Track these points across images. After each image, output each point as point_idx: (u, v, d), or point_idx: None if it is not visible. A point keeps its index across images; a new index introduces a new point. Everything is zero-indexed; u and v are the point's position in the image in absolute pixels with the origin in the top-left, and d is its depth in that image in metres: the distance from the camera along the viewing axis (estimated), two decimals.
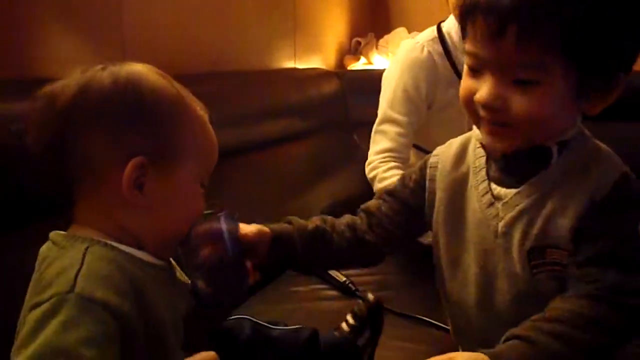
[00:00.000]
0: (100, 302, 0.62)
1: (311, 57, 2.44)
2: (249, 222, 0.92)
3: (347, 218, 0.97)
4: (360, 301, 0.93)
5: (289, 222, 0.94)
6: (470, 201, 0.85)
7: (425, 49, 1.58)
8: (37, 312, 0.61)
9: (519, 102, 0.73)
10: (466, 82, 0.78)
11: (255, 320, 0.94)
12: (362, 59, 2.74)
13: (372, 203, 0.98)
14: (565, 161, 0.79)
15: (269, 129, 1.86)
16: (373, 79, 2.52)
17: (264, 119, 1.84)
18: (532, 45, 0.70)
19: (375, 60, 2.71)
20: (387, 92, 1.63)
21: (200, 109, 0.78)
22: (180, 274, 0.81)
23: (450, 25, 1.60)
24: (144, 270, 0.71)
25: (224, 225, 0.81)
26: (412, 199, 0.93)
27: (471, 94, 0.77)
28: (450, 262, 0.88)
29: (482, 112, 0.77)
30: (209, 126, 0.79)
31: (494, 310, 0.84)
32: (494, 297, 0.83)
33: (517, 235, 0.79)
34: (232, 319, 0.96)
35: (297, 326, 0.98)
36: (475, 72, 0.77)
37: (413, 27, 2.54)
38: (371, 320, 0.91)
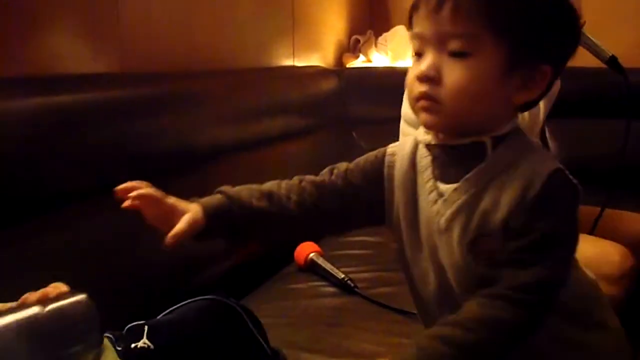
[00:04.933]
0: None
1: (310, 55, 2.44)
2: None
3: (296, 191, 0.93)
4: None
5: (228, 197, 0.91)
6: (420, 200, 0.88)
7: None
8: None
9: (450, 72, 0.79)
10: (412, 69, 0.84)
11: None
12: (361, 57, 2.73)
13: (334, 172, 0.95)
14: (500, 156, 0.82)
15: (268, 127, 1.86)
16: (372, 77, 2.54)
17: (263, 117, 1.85)
18: (462, 17, 0.78)
19: (375, 58, 2.70)
20: None
21: None
22: None
23: None
24: None
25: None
26: (369, 192, 0.93)
27: (413, 76, 0.83)
28: (412, 261, 0.91)
29: (419, 88, 0.81)
30: None
31: (451, 304, 0.86)
32: (449, 291, 0.86)
33: (456, 231, 0.82)
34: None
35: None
36: (419, 57, 0.82)
37: None
38: None
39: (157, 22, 1.55)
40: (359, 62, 2.72)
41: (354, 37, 2.77)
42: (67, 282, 0.85)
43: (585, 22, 1.45)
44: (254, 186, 0.94)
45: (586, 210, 1.66)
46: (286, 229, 0.96)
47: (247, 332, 1.03)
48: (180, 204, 0.86)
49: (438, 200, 0.84)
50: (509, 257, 0.78)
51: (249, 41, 1.99)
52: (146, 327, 0.97)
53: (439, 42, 0.80)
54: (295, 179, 0.95)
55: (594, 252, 1.40)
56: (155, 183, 1.37)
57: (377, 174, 0.93)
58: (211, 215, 0.87)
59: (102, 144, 1.22)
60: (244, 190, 0.92)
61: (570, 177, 0.80)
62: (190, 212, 0.85)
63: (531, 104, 0.86)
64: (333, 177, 0.94)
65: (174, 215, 0.84)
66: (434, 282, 0.88)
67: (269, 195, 0.92)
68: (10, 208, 1.05)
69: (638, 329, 1.49)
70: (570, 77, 1.63)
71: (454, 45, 0.79)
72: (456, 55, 0.79)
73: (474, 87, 0.79)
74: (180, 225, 0.83)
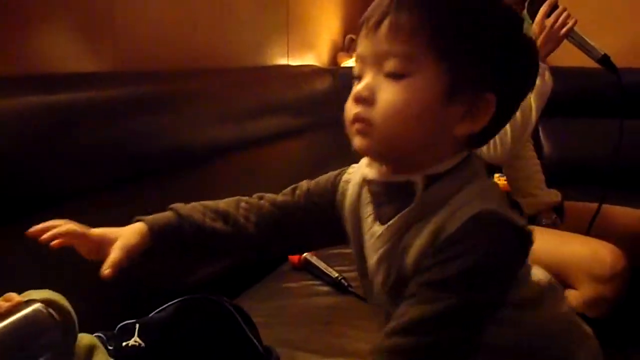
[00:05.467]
0: None
1: (304, 54, 2.44)
2: None
3: (256, 212, 0.92)
4: None
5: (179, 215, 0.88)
6: (364, 234, 0.84)
7: None
8: None
9: (385, 93, 0.74)
10: (351, 93, 0.79)
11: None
12: None
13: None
14: (430, 197, 0.75)
15: (262, 126, 1.86)
16: None
17: (257, 116, 1.84)
18: (400, 36, 0.74)
19: None
20: None
21: None
22: None
23: None
24: None
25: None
26: (329, 212, 0.91)
27: (349, 99, 0.78)
28: (365, 288, 0.89)
29: (353, 110, 0.76)
30: None
31: None
32: None
33: (380, 278, 0.80)
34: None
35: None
36: (359, 81, 0.78)
37: None
38: None
39: (151, 21, 1.55)
40: (353, 61, 2.72)
41: (348, 36, 2.77)
42: (65, 282, 0.85)
43: (577, 21, 1.46)
44: (210, 203, 0.92)
45: (581, 207, 1.67)
46: (244, 249, 0.94)
47: (239, 330, 1.03)
48: (110, 232, 0.84)
49: (371, 239, 0.81)
50: (406, 295, 0.74)
51: (243, 40, 1.99)
52: (137, 325, 0.97)
53: (377, 62, 0.75)
54: (255, 196, 0.94)
55: (586, 253, 1.40)
56: (151, 182, 1.38)
57: (334, 198, 0.90)
58: (158, 233, 0.85)
59: (100, 143, 1.22)
60: (197, 209, 0.90)
61: (508, 219, 0.72)
62: (122, 237, 0.83)
63: (478, 139, 0.79)
64: (296, 196, 0.93)
65: (105, 245, 0.82)
66: (384, 312, 0.85)
67: (225, 216, 0.90)
68: (10, 207, 1.05)
69: (629, 328, 1.50)
70: (564, 77, 1.64)
71: (390, 65, 0.74)
72: (392, 76, 0.74)
73: (408, 109, 0.73)
74: (114, 254, 0.81)
